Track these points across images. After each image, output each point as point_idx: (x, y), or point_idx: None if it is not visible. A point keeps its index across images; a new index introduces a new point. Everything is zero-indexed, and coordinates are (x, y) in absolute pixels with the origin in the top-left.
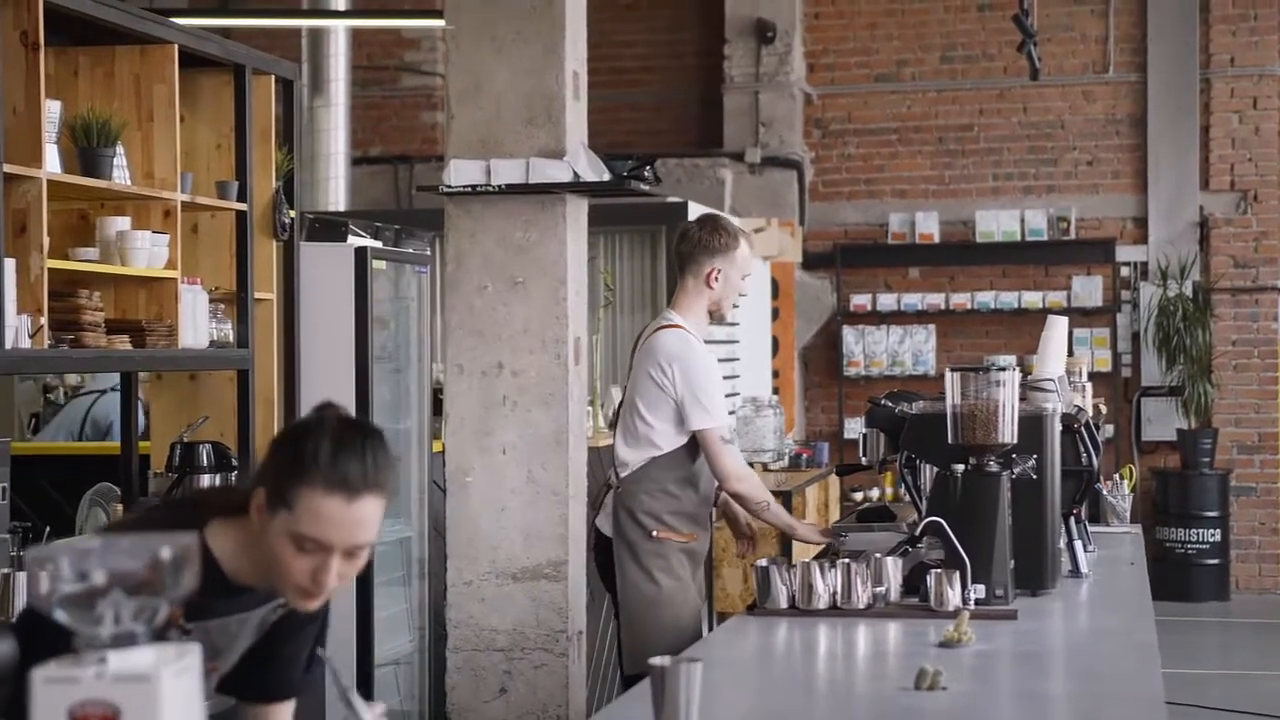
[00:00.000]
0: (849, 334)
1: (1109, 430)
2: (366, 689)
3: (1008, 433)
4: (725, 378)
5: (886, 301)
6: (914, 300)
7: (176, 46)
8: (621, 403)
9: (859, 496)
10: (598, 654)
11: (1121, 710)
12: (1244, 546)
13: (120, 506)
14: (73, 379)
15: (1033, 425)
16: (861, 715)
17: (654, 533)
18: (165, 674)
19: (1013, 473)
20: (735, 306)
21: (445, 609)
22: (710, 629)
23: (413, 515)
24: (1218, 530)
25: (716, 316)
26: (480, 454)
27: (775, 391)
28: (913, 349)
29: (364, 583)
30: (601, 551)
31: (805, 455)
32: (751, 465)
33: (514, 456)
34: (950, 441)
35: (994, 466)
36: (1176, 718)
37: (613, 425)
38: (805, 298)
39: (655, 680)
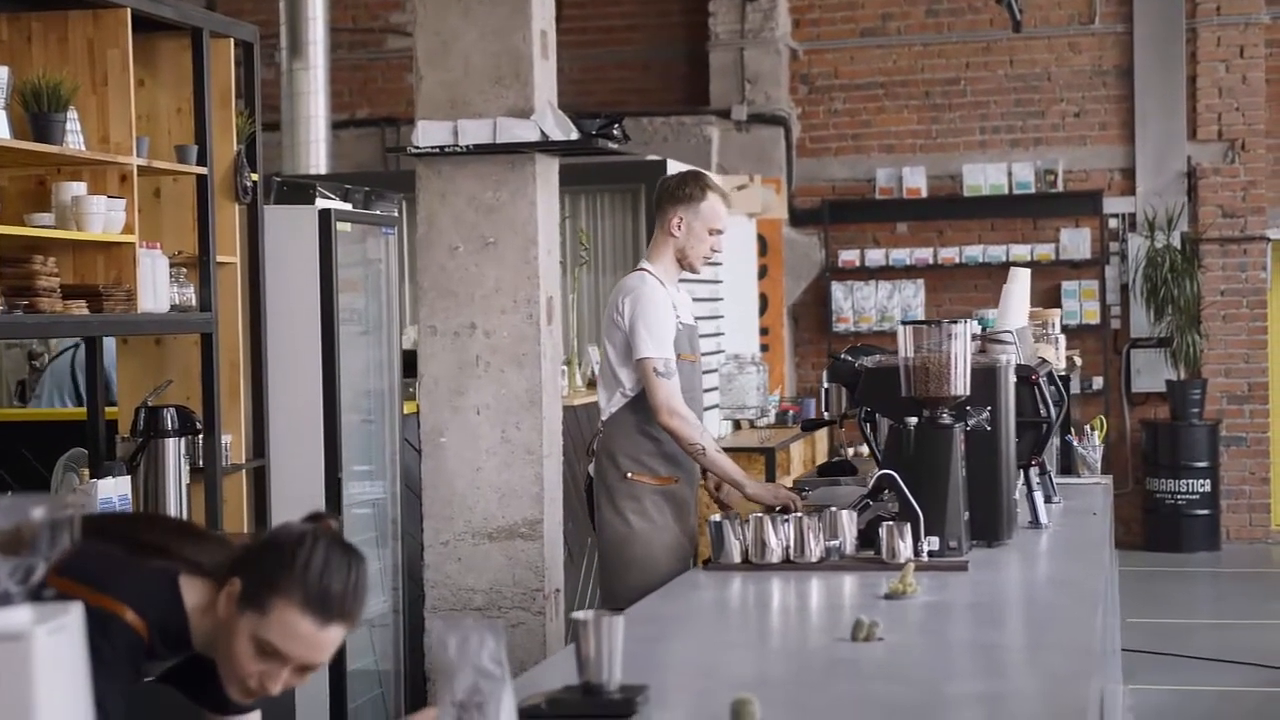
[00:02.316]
0: (838, 290)
1: (1098, 382)
2: (340, 651)
3: (960, 385)
4: (708, 335)
5: (875, 257)
6: (902, 255)
7: (129, 10)
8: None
9: (850, 452)
10: (576, 611)
11: (1050, 657)
12: (1234, 496)
13: (87, 471)
14: (54, 343)
15: (987, 377)
16: (793, 666)
17: (628, 474)
18: (39, 633)
19: (966, 425)
20: (709, 261)
21: (422, 569)
22: None
23: (386, 476)
24: (1208, 481)
25: (685, 266)
26: (454, 414)
27: (764, 349)
28: (901, 304)
29: None
30: (590, 494)
31: (792, 412)
32: (738, 424)
33: (488, 416)
34: (904, 395)
35: (947, 419)
36: (1168, 668)
37: (591, 384)
38: (793, 254)
39: (577, 633)
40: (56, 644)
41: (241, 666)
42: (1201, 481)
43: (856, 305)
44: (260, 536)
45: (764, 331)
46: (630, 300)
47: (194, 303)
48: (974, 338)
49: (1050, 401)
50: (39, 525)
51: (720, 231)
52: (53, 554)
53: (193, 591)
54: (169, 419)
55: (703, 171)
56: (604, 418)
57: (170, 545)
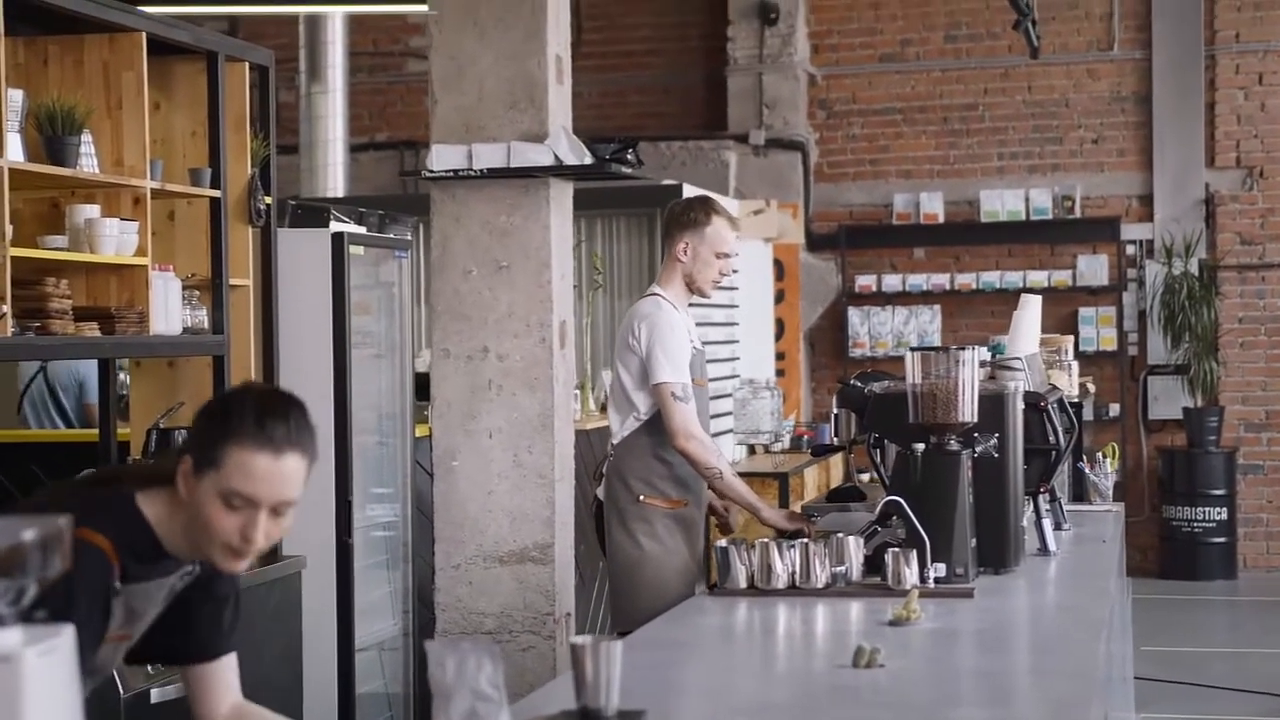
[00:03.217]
0: (854, 315)
1: (1115, 409)
2: (347, 672)
3: (968, 412)
4: (723, 360)
5: (892, 282)
6: (919, 281)
7: (144, 34)
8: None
9: (865, 477)
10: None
11: (1051, 684)
12: (1251, 524)
13: None
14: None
15: (995, 404)
16: (794, 693)
17: (640, 497)
18: (29, 654)
19: (974, 451)
20: (719, 284)
21: (433, 592)
22: None
23: (398, 499)
24: (1224, 508)
25: (694, 290)
26: (467, 437)
27: (780, 374)
28: (918, 329)
29: (344, 566)
30: (601, 520)
31: (808, 437)
32: (752, 449)
33: (500, 440)
34: (911, 421)
35: (954, 445)
36: (1184, 697)
37: (604, 408)
38: (810, 279)
39: (575, 658)
40: (46, 665)
41: (219, 529)
42: (1218, 509)
43: (873, 330)
44: (198, 415)
45: (780, 356)
46: (647, 325)
47: (206, 325)
48: (983, 364)
49: (1060, 428)
50: (30, 546)
51: (727, 255)
52: (46, 575)
53: (152, 504)
54: (180, 440)
55: (710, 196)
56: (615, 441)
57: (123, 476)
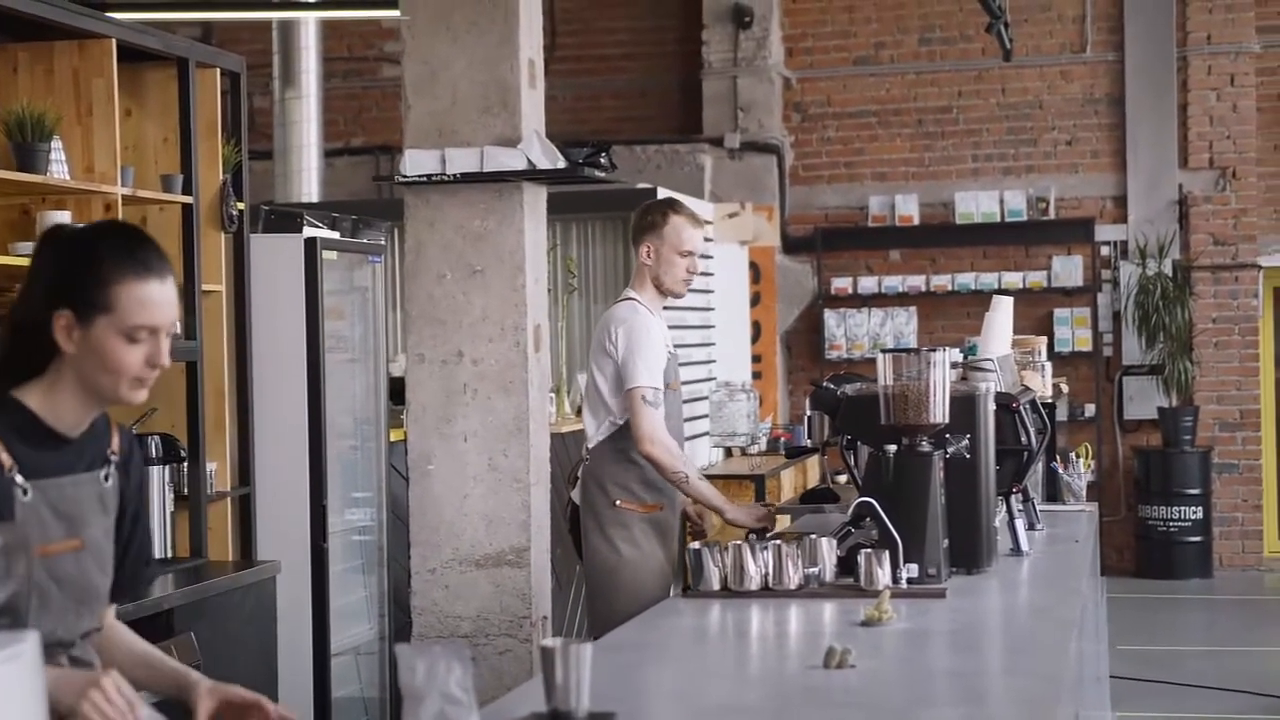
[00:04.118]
0: (830, 317)
1: (1090, 409)
2: (322, 677)
3: (939, 413)
4: (699, 362)
5: (868, 284)
6: (895, 283)
7: (114, 41)
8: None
9: (843, 479)
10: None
11: (1022, 684)
12: (1226, 524)
13: None
14: None
15: (966, 405)
16: (765, 693)
17: (617, 502)
18: None
19: (946, 452)
20: (688, 283)
21: (409, 596)
22: None
23: (373, 504)
24: (1200, 508)
25: (665, 292)
26: (442, 441)
27: (757, 376)
28: (894, 331)
29: (319, 571)
30: (574, 521)
31: (785, 439)
32: (729, 451)
33: (475, 444)
34: (883, 422)
35: (926, 446)
36: (1160, 695)
37: (580, 411)
38: (786, 282)
39: (545, 661)
40: (9, 674)
41: (125, 365)
42: (1194, 508)
43: (849, 332)
44: (41, 267)
45: (757, 359)
46: (624, 330)
47: (179, 331)
48: (954, 365)
49: (1032, 429)
50: None
51: (690, 253)
52: (7, 582)
53: (31, 396)
54: (153, 447)
55: (672, 197)
56: (590, 445)
57: None
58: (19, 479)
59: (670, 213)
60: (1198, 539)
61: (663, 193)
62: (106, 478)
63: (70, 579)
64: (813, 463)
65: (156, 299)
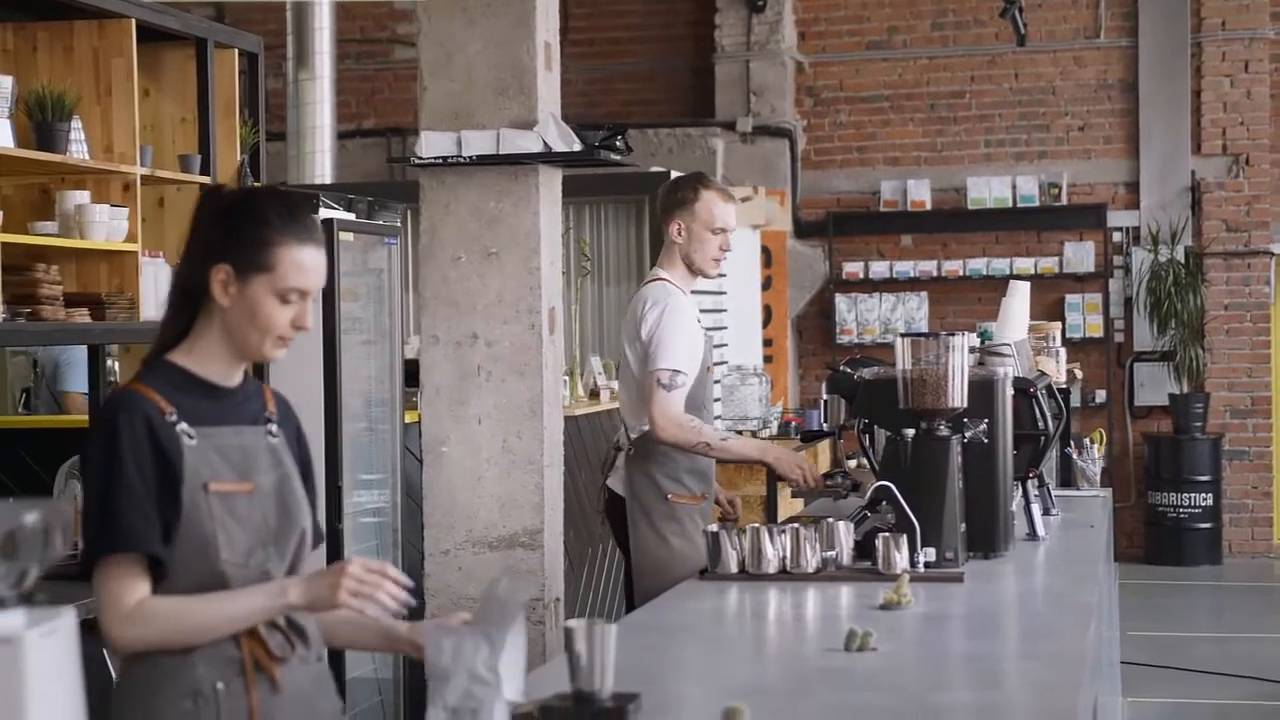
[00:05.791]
0: (842, 302)
1: (1100, 395)
2: (337, 657)
3: (957, 397)
4: (716, 346)
5: (879, 269)
6: (906, 268)
7: (134, 21)
8: (619, 365)
9: (853, 464)
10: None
11: (1042, 669)
12: (1236, 510)
13: None
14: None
15: (984, 390)
16: (786, 675)
17: (669, 496)
18: (31, 636)
19: (964, 437)
20: (720, 262)
21: (422, 578)
22: None
23: (387, 485)
24: (1210, 494)
25: (696, 271)
26: (456, 424)
27: (768, 360)
28: (905, 316)
29: (334, 553)
30: (613, 510)
31: (795, 423)
32: (740, 434)
33: (489, 426)
34: (901, 406)
35: (944, 431)
36: (1169, 680)
37: (594, 394)
38: (798, 266)
39: (569, 641)
40: (48, 647)
41: (274, 324)
42: (1204, 495)
43: (860, 317)
44: (201, 225)
45: (768, 343)
46: (657, 312)
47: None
48: (972, 350)
49: (1049, 414)
50: (31, 530)
51: (724, 230)
52: (46, 559)
53: (183, 356)
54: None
55: (700, 173)
56: (634, 435)
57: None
58: (183, 426)
59: (701, 188)
60: (1207, 525)
61: (676, 176)
62: (271, 433)
63: (248, 519)
64: (823, 447)
65: (311, 264)
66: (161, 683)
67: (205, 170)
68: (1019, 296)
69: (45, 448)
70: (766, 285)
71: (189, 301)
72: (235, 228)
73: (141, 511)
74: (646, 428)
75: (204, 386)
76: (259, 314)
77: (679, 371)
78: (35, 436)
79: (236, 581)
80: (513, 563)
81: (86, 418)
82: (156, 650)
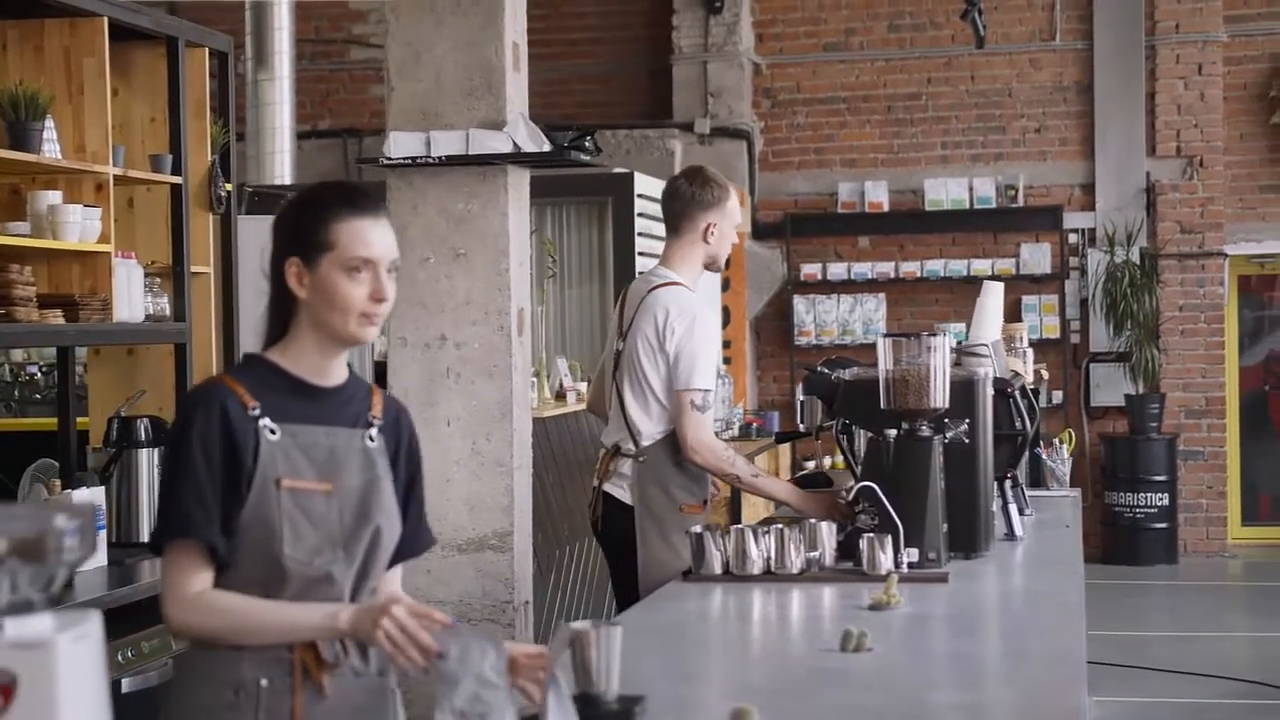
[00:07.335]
0: (800, 303)
1: (1057, 396)
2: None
3: (939, 398)
4: None
5: (837, 271)
6: (864, 269)
7: (106, 19)
8: (616, 365)
9: (811, 465)
10: (545, 624)
11: (1037, 668)
12: (1192, 510)
13: (57, 482)
14: None
15: (965, 390)
16: (787, 676)
17: (682, 507)
18: (62, 640)
19: (945, 437)
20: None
21: None
22: None
23: None
24: (1165, 494)
25: (713, 270)
26: (424, 426)
27: (727, 361)
28: (863, 317)
29: None
30: (610, 516)
31: (756, 425)
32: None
33: (458, 428)
34: (883, 407)
35: (926, 431)
36: (1125, 679)
37: (560, 396)
38: (756, 267)
39: (574, 644)
40: (78, 652)
41: (351, 301)
42: (1159, 495)
43: (818, 318)
44: (274, 232)
45: (726, 344)
46: (685, 324)
47: (168, 313)
48: (951, 350)
49: (1026, 414)
50: (61, 533)
51: (739, 225)
52: (77, 560)
53: (276, 354)
54: (142, 430)
55: (707, 167)
56: (647, 441)
57: (237, 363)
58: (266, 421)
59: (726, 186)
60: (1163, 525)
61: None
62: (370, 438)
63: (321, 519)
64: (785, 448)
65: (370, 232)
66: (210, 671)
67: (176, 170)
68: (993, 297)
69: (12, 451)
70: (725, 287)
71: (280, 309)
72: (296, 221)
73: (201, 501)
74: (659, 435)
75: (297, 385)
76: (335, 295)
77: (710, 391)
78: (2, 439)
79: (297, 579)
80: (482, 565)
81: (54, 421)
82: (209, 641)
